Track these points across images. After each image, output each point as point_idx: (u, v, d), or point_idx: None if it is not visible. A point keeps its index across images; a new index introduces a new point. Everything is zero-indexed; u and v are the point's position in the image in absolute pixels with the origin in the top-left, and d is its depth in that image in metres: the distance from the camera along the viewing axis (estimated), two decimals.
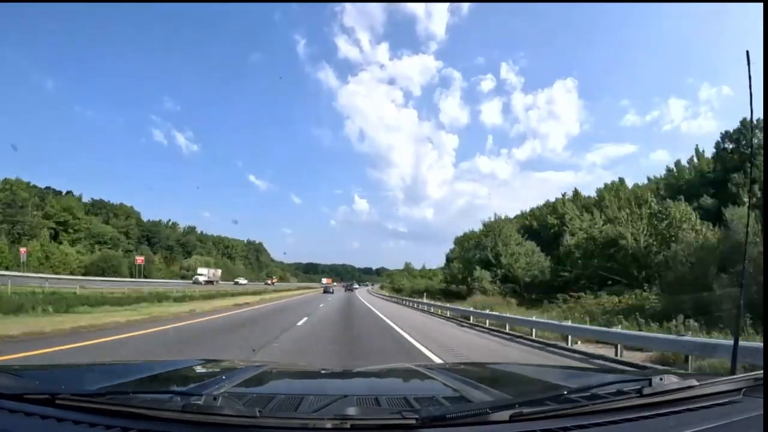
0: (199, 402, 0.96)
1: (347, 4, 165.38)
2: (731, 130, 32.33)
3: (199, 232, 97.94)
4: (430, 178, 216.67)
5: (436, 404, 1.16)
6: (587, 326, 10.60)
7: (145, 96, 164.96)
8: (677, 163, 38.87)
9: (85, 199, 72.01)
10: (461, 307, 21.00)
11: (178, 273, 66.42)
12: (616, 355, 8.26)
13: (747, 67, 1.40)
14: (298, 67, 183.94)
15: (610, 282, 23.53)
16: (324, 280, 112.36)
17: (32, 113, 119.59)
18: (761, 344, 5.27)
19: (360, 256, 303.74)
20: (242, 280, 70.52)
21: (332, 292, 55.16)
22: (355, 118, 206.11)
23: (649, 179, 40.58)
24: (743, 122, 29.60)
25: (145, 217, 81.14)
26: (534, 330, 11.75)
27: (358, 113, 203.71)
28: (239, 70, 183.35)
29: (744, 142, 29.61)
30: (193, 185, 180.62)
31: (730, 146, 32.23)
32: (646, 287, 19.17)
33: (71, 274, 45.08)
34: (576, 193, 44.96)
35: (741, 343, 3.34)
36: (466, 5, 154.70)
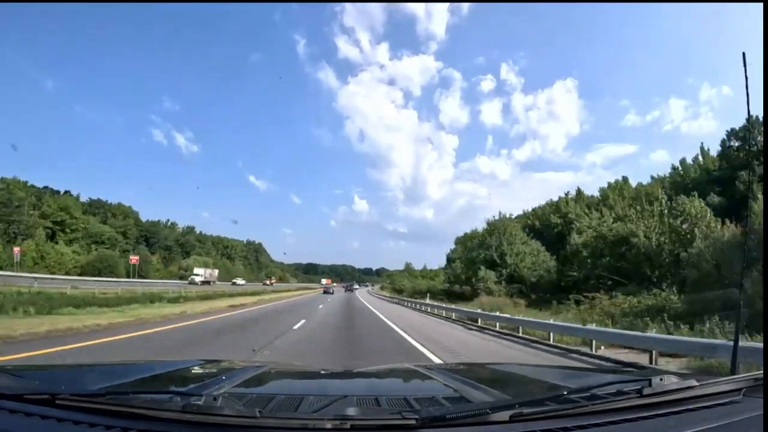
0: (199, 402, 0.97)
1: (347, 4, 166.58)
2: (737, 128, 32.35)
3: (198, 232, 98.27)
4: (430, 178, 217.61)
5: (436, 404, 1.17)
6: (614, 330, 9.80)
7: (145, 96, 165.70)
8: (683, 162, 38.89)
9: (83, 198, 72.37)
10: (468, 309, 20.28)
11: (177, 273, 66.42)
12: (651, 362, 7.41)
13: (744, 67, 1.41)
14: (298, 67, 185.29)
15: (620, 282, 22.79)
16: (323, 281, 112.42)
17: (32, 113, 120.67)
18: (761, 344, 5.26)
19: (360, 256, 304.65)
20: (240, 281, 70.46)
21: (332, 293, 55.21)
22: (355, 119, 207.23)
23: (653, 178, 40.58)
24: (749, 119, 29.54)
25: (144, 217, 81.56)
26: (552, 334, 10.97)
27: (358, 113, 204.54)
28: (239, 70, 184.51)
29: (751, 141, 29.51)
30: (193, 185, 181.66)
31: (736, 144, 32.21)
32: (664, 286, 18.52)
33: (67, 274, 45.18)
34: (579, 192, 44.97)
35: (741, 343, 3.32)
36: (466, 5, 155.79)
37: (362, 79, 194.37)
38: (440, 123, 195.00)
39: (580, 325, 10.74)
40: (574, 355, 9.10)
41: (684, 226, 22.32)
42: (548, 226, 42.77)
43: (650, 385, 1.07)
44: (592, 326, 9.95)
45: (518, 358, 8.57)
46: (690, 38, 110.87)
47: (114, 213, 73.99)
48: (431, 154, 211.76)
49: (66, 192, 69.33)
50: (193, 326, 12.38)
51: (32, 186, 61.67)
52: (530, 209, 50.43)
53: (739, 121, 31.51)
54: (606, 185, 43.64)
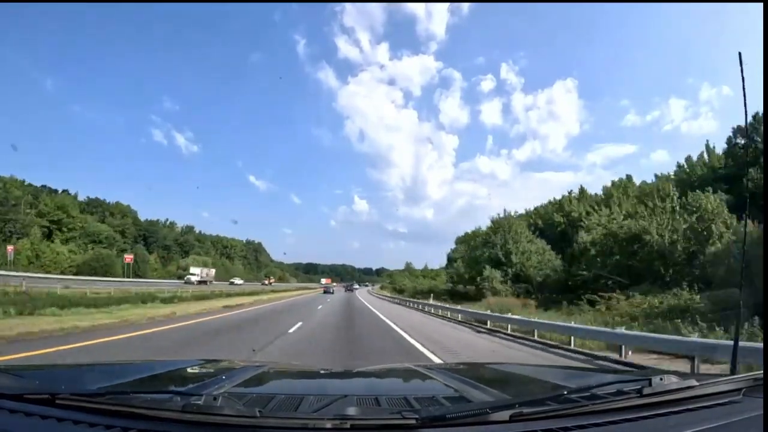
0: (199, 402, 0.98)
1: (347, 4, 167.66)
2: (743, 125, 32.22)
3: (197, 231, 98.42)
4: (430, 178, 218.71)
5: (436, 404, 1.18)
6: (653, 334, 8.78)
7: (145, 96, 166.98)
8: (688, 159, 38.80)
9: (81, 197, 72.46)
10: (474, 310, 19.60)
11: (175, 273, 66.45)
12: (694, 369, 6.75)
13: (740, 67, 1.41)
14: (298, 67, 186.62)
15: (632, 282, 22.00)
16: (323, 280, 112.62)
17: (32, 113, 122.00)
18: (761, 344, 5.26)
19: (360, 256, 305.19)
20: (238, 281, 70.40)
21: (332, 293, 55.30)
22: (355, 119, 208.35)
23: (656, 176, 40.47)
24: (755, 117, 29.46)
25: (144, 217, 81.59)
26: (573, 338, 10.29)
27: (358, 113, 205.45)
28: (239, 70, 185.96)
29: (758, 138, 29.35)
30: (193, 185, 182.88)
31: (742, 141, 32.09)
32: (684, 285, 17.52)
33: (62, 273, 45.18)
34: (582, 190, 44.85)
35: (741, 343, 3.32)
36: (466, 5, 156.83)
37: (362, 79, 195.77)
38: (440, 123, 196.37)
39: (608, 329, 9.99)
40: (601, 362, 8.59)
41: (701, 224, 21.48)
42: (551, 225, 42.64)
43: (650, 384, 1.08)
44: (622, 330, 9.07)
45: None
46: (690, 38, 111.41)
47: (112, 212, 74.05)
48: (431, 154, 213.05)
49: (64, 191, 69.64)
50: (181, 329, 11.79)
51: (30, 185, 61.92)
52: (532, 208, 50.25)
53: (739, 121, 31.48)
54: (608, 184, 43.33)
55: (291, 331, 11.94)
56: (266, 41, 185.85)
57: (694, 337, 7.81)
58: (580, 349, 9.86)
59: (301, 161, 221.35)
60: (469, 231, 51.10)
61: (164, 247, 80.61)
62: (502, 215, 42.88)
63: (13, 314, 11.79)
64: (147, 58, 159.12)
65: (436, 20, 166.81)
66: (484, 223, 48.00)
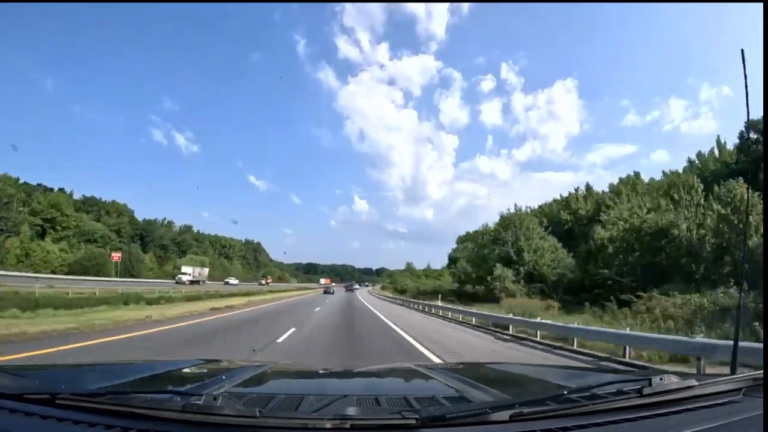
0: (199, 402, 1.00)
1: (347, 4, 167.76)
2: (756, 119, 32.07)
3: (196, 231, 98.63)
4: (430, 178, 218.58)
5: (436, 404, 1.20)
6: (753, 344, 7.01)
7: (145, 96, 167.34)
8: (699, 154, 38.82)
9: (77, 196, 72.55)
10: (493, 313, 18.13)
11: (171, 273, 66.27)
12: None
13: (743, 65, 1.43)
14: (298, 67, 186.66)
15: (661, 280, 20.68)
16: (322, 281, 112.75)
17: (32, 113, 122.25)
18: (761, 344, 5.25)
19: (360, 256, 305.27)
20: (233, 280, 69.48)
21: (332, 293, 55.17)
22: (355, 119, 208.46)
23: (664, 173, 40.34)
24: (748, 116, 29.16)
25: (143, 216, 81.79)
26: (628, 348, 8.94)
27: (358, 113, 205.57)
28: (239, 70, 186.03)
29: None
30: (193, 185, 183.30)
31: (755, 136, 31.96)
32: (731, 283, 16.40)
33: (53, 272, 45.05)
34: (588, 188, 44.74)
35: (741, 343, 3.31)
36: (466, 5, 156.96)
37: (362, 79, 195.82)
38: (440, 123, 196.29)
39: (683, 337, 8.41)
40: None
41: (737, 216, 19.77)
42: (557, 222, 42.54)
43: (650, 384, 1.09)
44: (700, 338, 7.71)
45: None
46: (690, 38, 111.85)
47: (108, 211, 74.18)
48: (431, 154, 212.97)
49: (60, 189, 69.75)
50: (142, 338, 9.96)
51: (24, 183, 62.04)
52: (536, 206, 49.96)
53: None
54: (614, 182, 43.15)
55: (280, 340, 10.42)
56: (266, 41, 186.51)
57: None
58: (636, 362, 8.44)
59: (301, 161, 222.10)
60: (470, 230, 50.68)
61: (161, 246, 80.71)
62: (514, 210, 41.27)
63: None
64: (147, 58, 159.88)
65: (436, 20, 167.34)
66: (485, 223, 47.46)
